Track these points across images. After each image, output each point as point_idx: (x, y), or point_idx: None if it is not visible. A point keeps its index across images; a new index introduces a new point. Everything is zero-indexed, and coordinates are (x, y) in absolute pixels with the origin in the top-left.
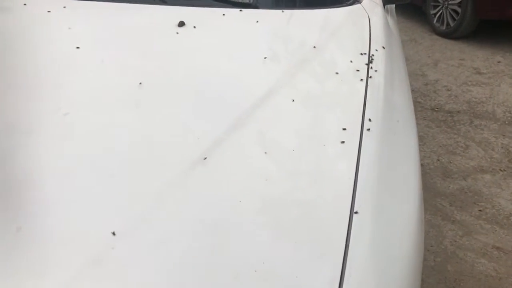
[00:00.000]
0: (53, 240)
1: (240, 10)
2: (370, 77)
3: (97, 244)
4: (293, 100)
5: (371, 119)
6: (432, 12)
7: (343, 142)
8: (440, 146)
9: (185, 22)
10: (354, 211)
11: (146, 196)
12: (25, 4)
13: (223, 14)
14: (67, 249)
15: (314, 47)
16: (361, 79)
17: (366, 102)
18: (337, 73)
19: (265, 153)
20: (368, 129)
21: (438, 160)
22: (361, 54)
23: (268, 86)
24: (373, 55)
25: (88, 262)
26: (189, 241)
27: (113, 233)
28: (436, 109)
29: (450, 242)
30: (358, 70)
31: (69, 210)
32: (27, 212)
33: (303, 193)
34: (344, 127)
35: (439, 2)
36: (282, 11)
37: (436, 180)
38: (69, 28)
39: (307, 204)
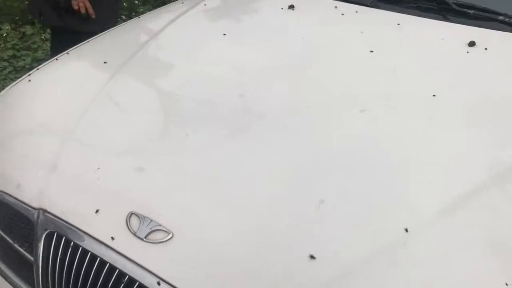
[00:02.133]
0: (347, 223)
1: None
2: None
3: (390, 238)
4: None
5: None
6: None
7: None
8: None
9: (476, 43)
10: None
11: (435, 202)
12: (336, 7)
13: None
14: (360, 236)
15: None
16: None
17: None
18: None
19: None
20: None
21: None
22: None
23: None
24: None
25: (380, 252)
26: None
27: (406, 230)
28: None
29: None
30: None
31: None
32: (335, 188)
33: None
34: None
35: None
36: None
37: None
38: (361, 32)
39: None
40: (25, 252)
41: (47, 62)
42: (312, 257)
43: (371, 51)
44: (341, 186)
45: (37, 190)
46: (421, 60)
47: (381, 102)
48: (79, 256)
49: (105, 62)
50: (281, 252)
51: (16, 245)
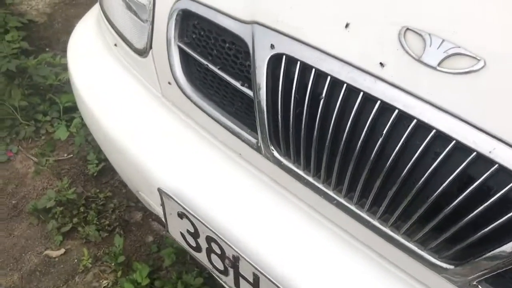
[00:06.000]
0: None
1: None
2: None
3: None
4: None
5: None
6: None
7: None
8: None
9: None
10: None
11: None
12: None
13: None
14: None
15: None
16: None
17: None
18: None
19: None
20: None
21: None
22: None
23: None
24: None
25: None
26: None
27: None
28: None
29: None
30: None
31: None
32: None
33: None
34: None
35: None
36: None
37: None
38: None
39: None
40: (238, 85)
41: None
42: None
43: None
44: None
45: None
46: None
47: None
48: (328, 89)
49: None
50: None
51: (224, 75)
